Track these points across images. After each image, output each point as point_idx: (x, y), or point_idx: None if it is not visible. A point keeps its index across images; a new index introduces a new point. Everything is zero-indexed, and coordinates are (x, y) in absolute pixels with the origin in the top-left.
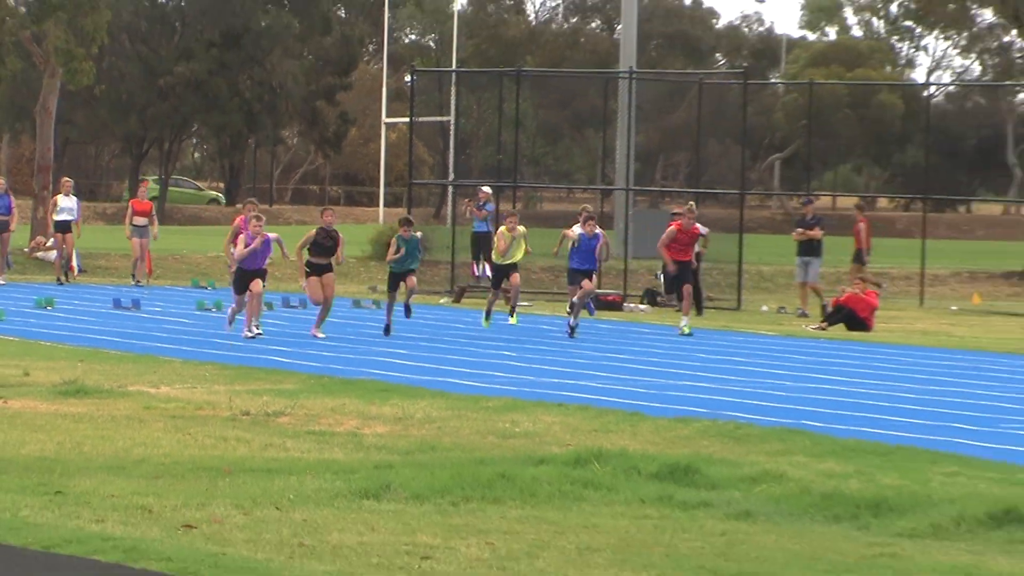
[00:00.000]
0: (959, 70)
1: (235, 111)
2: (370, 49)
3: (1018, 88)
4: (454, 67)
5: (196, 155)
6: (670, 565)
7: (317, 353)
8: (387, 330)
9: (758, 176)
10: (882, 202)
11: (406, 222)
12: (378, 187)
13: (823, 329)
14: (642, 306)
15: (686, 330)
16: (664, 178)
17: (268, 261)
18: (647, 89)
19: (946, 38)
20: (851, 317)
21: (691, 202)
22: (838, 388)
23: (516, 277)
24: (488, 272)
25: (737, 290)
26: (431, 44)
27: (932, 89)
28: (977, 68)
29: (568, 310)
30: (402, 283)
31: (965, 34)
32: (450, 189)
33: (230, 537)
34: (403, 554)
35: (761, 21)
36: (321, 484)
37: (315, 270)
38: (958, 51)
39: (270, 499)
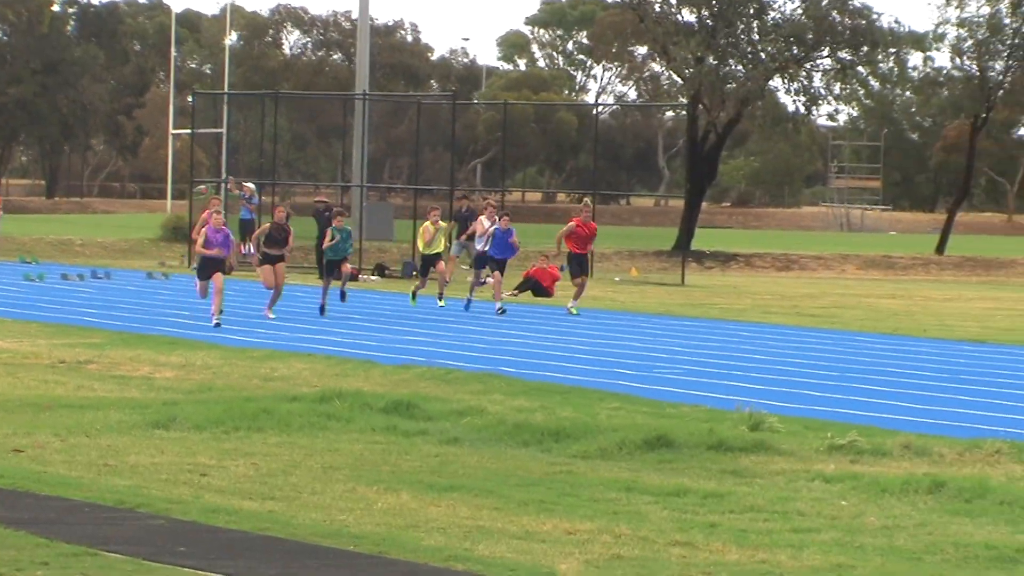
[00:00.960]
0: (620, 93)
1: (54, 124)
2: (160, 75)
3: (665, 108)
4: (226, 90)
5: (23, 159)
6: (395, 479)
7: (119, 314)
8: (322, 310)
9: (464, 176)
10: (560, 197)
11: (339, 213)
12: (166, 184)
13: (515, 296)
14: (373, 277)
15: (574, 311)
16: (391, 178)
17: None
18: (377, 108)
19: (609, 69)
20: (537, 286)
21: (586, 199)
22: (527, 342)
23: (441, 265)
24: (253, 251)
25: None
26: (208, 71)
27: (600, 108)
28: (634, 92)
29: (472, 287)
30: (337, 268)
31: (625, 66)
32: (223, 186)
33: (50, 459)
34: (186, 471)
35: (467, 54)
36: (121, 417)
37: (268, 259)
38: (619, 79)
39: (82, 429)
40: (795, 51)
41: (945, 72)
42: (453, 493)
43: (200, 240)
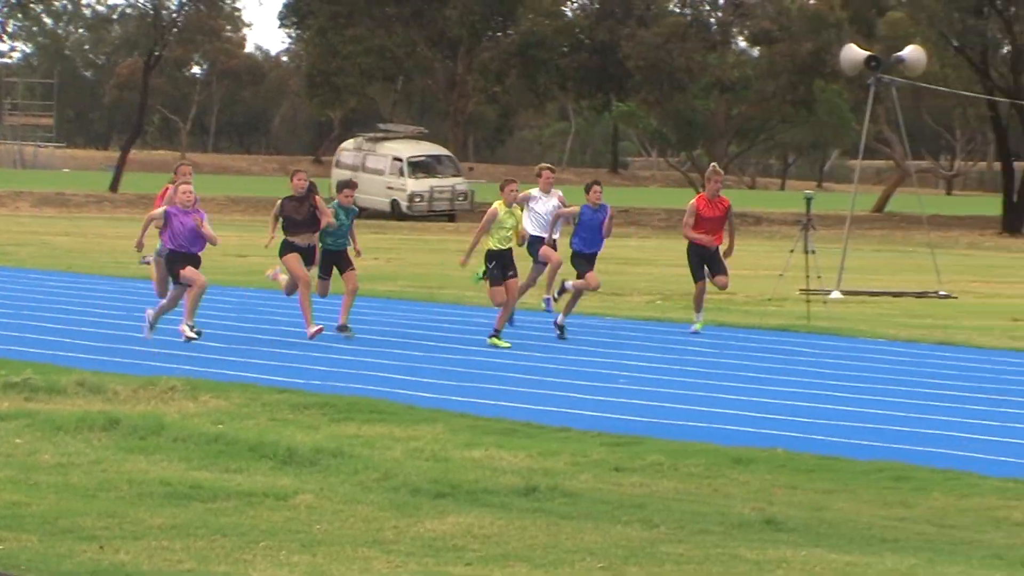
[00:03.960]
0: None
1: None
2: None
3: None
4: None
5: None
6: None
7: None
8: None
9: None
10: None
11: (347, 185)
12: None
13: None
14: None
15: (698, 326)
16: None
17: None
18: None
19: None
20: None
21: (714, 163)
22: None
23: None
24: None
25: None
26: None
27: None
28: None
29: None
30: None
31: None
32: None
33: None
34: None
35: None
36: None
37: (293, 249)
38: None
39: None
40: None
41: (119, 9)
42: None
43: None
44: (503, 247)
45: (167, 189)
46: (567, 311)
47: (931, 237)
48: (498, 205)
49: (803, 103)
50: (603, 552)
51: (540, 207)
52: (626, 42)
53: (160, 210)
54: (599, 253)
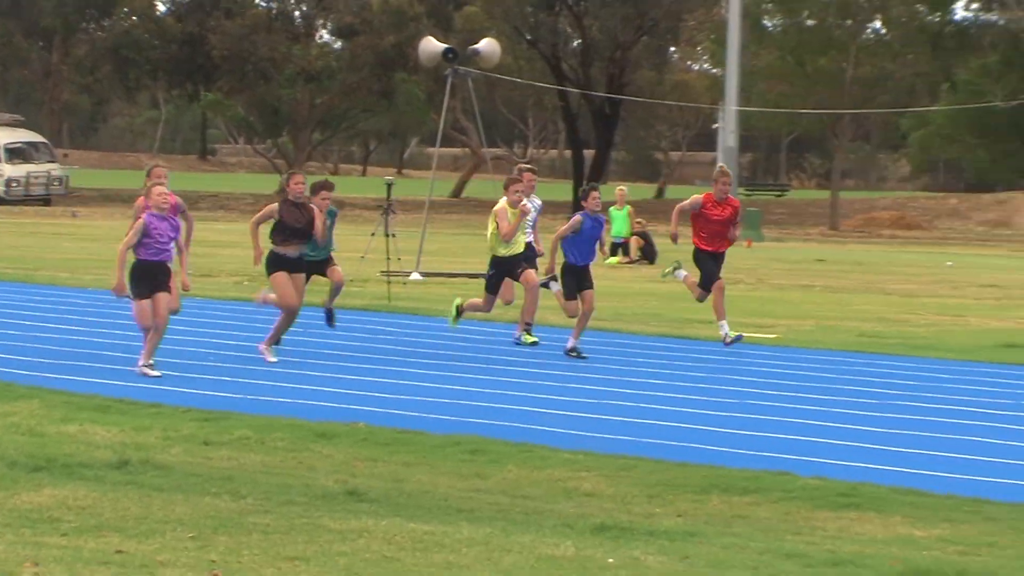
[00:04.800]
0: None
1: None
2: None
3: None
4: None
5: None
6: None
7: None
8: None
9: None
10: None
11: (323, 187)
12: None
13: None
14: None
15: (731, 334)
16: None
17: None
18: None
19: None
20: None
21: (722, 164)
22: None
23: (533, 275)
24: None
25: None
26: None
27: None
28: None
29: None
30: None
31: None
32: None
33: None
34: None
35: None
36: None
37: (281, 263)
38: None
39: None
40: None
41: None
42: None
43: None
44: (511, 254)
45: (141, 199)
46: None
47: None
48: (504, 204)
49: (384, 94)
50: (193, 522)
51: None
52: (212, 34)
53: (139, 224)
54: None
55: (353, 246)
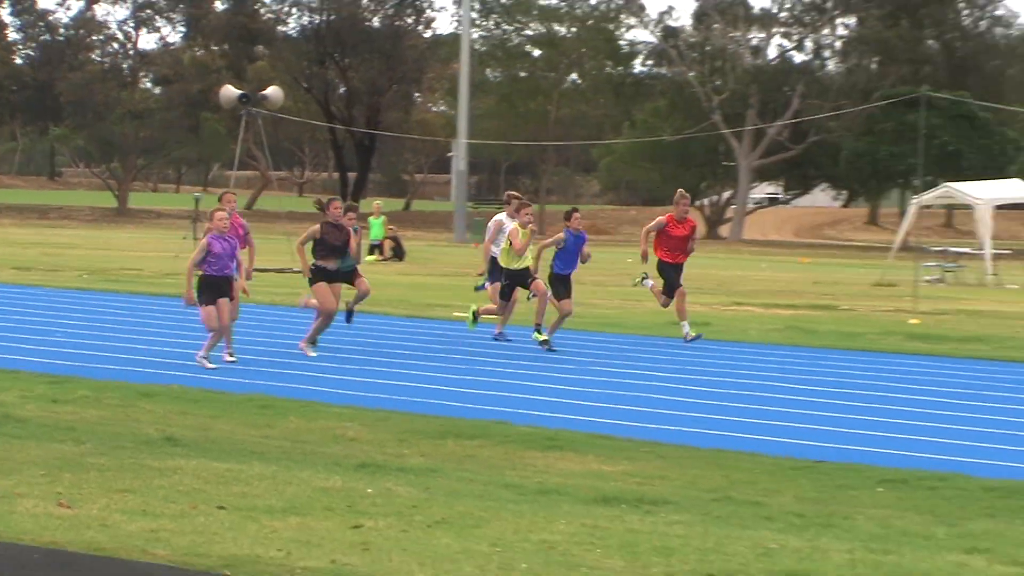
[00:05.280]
0: None
1: None
2: None
3: None
4: None
5: None
6: None
7: None
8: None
9: None
10: None
11: (351, 207)
12: None
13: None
14: None
15: (693, 334)
16: None
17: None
18: None
19: None
20: None
21: (681, 189)
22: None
23: (541, 284)
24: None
25: None
26: None
27: None
28: None
29: (536, 327)
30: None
31: None
32: None
33: None
34: None
35: None
36: None
37: (324, 275)
38: None
39: None
40: None
41: None
42: None
43: (196, 252)
44: (520, 267)
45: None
46: (555, 328)
47: (287, 228)
48: (516, 226)
49: (192, 129)
50: (44, 463)
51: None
52: (60, 82)
53: (202, 243)
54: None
55: (168, 246)
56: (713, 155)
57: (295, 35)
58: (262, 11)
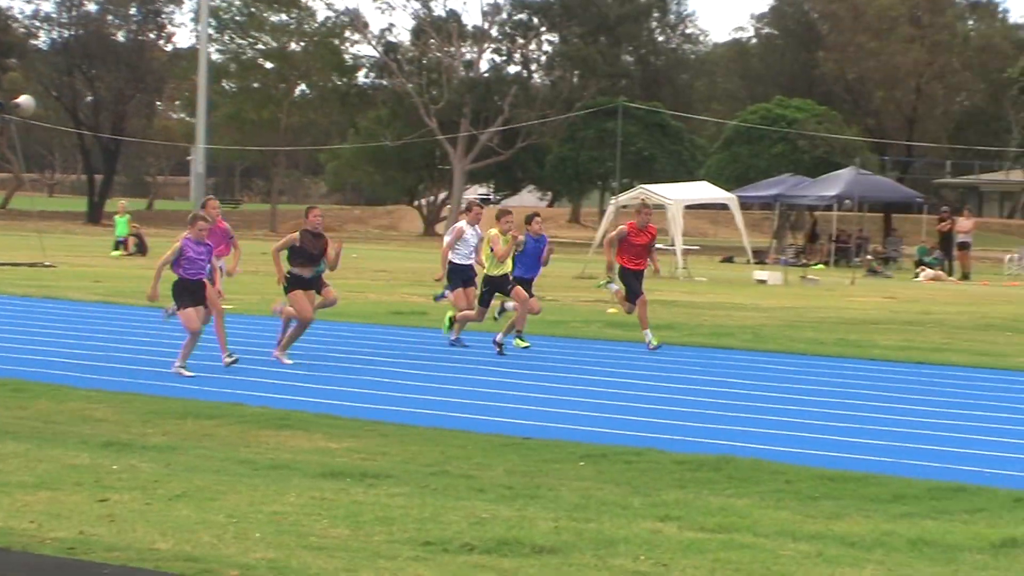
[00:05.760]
0: None
1: None
2: None
3: None
4: None
5: None
6: None
7: None
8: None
9: None
10: None
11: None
12: None
13: None
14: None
15: (654, 342)
16: None
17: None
18: None
19: None
20: None
21: (643, 197)
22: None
23: (522, 291)
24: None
25: None
26: None
27: None
28: None
29: (496, 316)
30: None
31: None
32: None
33: None
34: None
35: None
36: None
37: (299, 283)
38: None
39: None
40: None
41: None
42: None
43: (168, 253)
44: (500, 273)
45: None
46: (508, 331)
47: (39, 225)
48: (496, 232)
49: None
50: None
51: (472, 239)
52: None
53: (176, 246)
54: (535, 279)
55: None
56: (430, 159)
57: (45, 48)
58: (15, 25)
